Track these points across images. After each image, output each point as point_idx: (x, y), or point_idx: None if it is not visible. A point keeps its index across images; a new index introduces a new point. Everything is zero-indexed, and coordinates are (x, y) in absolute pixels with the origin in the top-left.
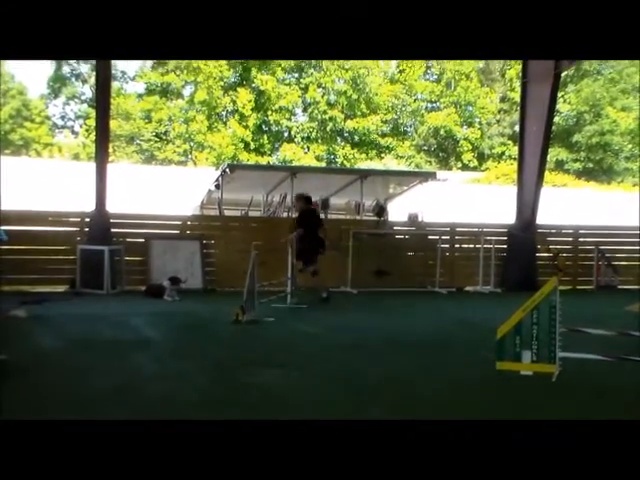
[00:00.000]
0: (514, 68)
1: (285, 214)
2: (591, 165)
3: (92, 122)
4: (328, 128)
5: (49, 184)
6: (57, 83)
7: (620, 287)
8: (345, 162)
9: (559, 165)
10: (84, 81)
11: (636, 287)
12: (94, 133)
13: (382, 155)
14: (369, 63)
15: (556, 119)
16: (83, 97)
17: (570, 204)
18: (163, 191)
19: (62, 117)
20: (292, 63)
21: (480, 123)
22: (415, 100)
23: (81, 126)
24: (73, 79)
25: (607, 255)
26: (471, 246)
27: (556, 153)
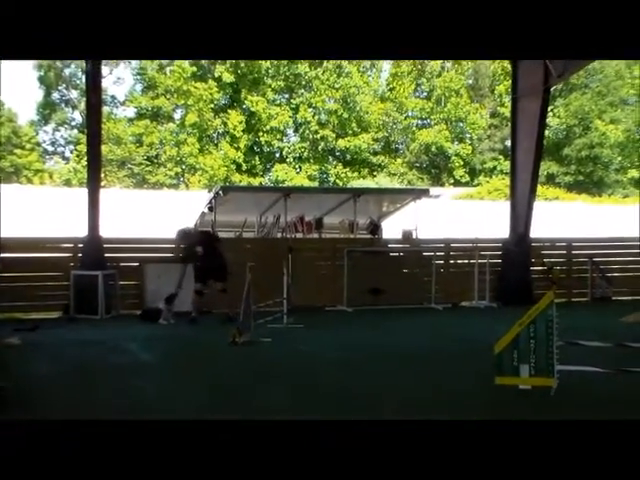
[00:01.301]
0: (503, 84)
1: (279, 234)
2: (581, 178)
3: (83, 148)
4: (320, 147)
5: (41, 210)
6: (47, 109)
7: (614, 298)
8: (337, 181)
9: (550, 179)
10: (74, 107)
11: (630, 298)
12: (85, 158)
13: (374, 173)
14: (359, 81)
15: (546, 133)
16: (73, 123)
17: (562, 217)
18: (156, 215)
19: (52, 143)
20: (282, 84)
21: (471, 139)
22: (406, 117)
23: (72, 152)
24: (63, 105)
25: (601, 267)
26: (466, 261)
27: (547, 167)
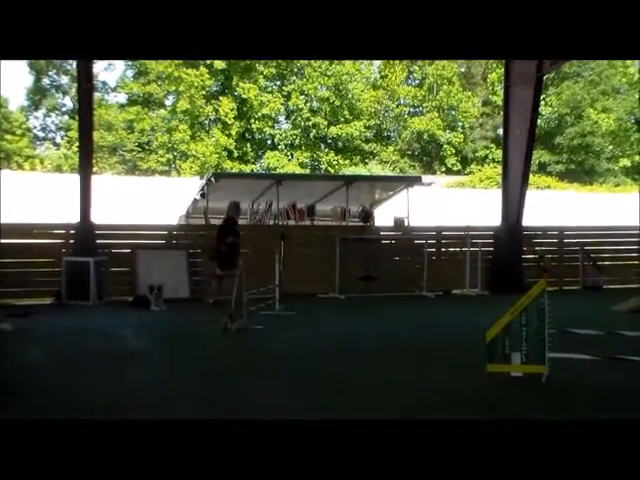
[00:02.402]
0: (495, 72)
1: (271, 222)
2: (573, 166)
3: (74, 134)
4: (311, 135)
5: (32, 196)
6: (37, 95)
7: (605, 287)
8: (329, 168)
9: (542, 167)
10: (64, 92)
11: (621, 286)
12: (76, 145)
13: (366, 161)
14: (351, 69)
15: (538, 121)
16: (64, 109)
17: (554, 205)
18: (148, 201)
19: (43, 129)
20: (274, 71)
21: (463, 127)
22: (398, 105)
23: (62, 138)
24: (53, 91)
25: (592, 255)
26: (457, 249)
27: (539, 155)
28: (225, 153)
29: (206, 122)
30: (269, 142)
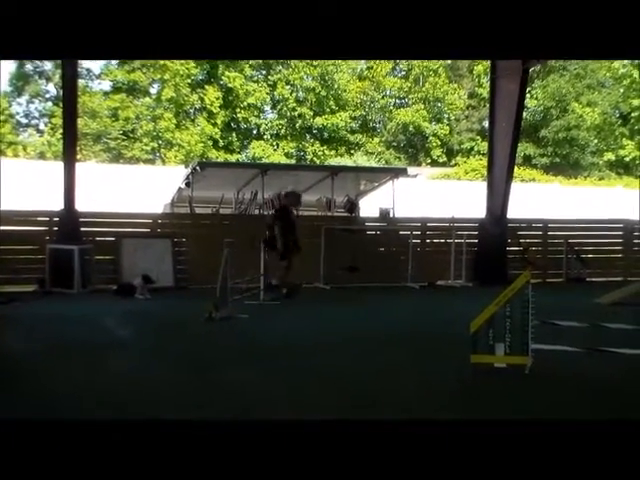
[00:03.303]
0: (481, 64)
1: (257, 211)
2: (558, 160)
3: (57, 120)
4: (297, 125)
5: (15, 183)
6: (20, 81)
7: (589, 279)
8: (315, 159)
9: (527, 160)
10: (48, 79)
11: (604, 279)
12: (60, 132)
13: (352, 152)
14: (337, 60)
15: (524, 114)
16: (47, 95)
17: (539, 198)
18: (132, 190)
19: (26, 115)
20: (259, 60)
21: (449, 119)
22: (384, 96)
23: (46, 125)
24: (36, 77)
25: (576, 248)
26: (442, 241)
27: (524, 148)
28: (210, 142)
29: (191, 111)
30: (255, 132)
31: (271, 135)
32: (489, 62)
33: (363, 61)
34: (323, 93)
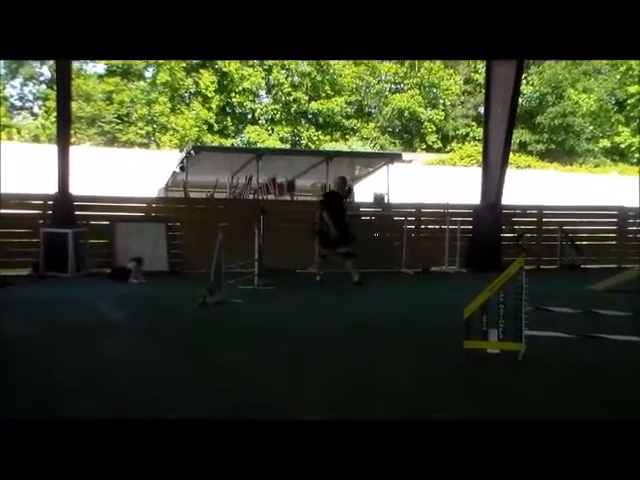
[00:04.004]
0: None
1: (251, 196)
2: (553, 146)
3: (51, 103)
4: (292, 110)
5: (9, 166)
6: (14, 63)
7: (583, 266)
8: (310, 144)
9: (522, 146)
10: (42, 61)
11: (598, 266)
12: (54, 115)
13: (347, 137)
14: None
15: (519, 101)
16: (41, 78)
17: (534, 185)
18: (126, 173)
19: (20, 98)
20: None
21: (444, 104)
22: (379, 81)
23: (40, 108)
24: (30, 60)
25: (570, 235)
26: (437, 227)
27: (519, 134)
28: (205, 126)
29: (186, 95)
30: (249, 116)
31: (266, 120)
32: None
33: None
34: (319, 78)
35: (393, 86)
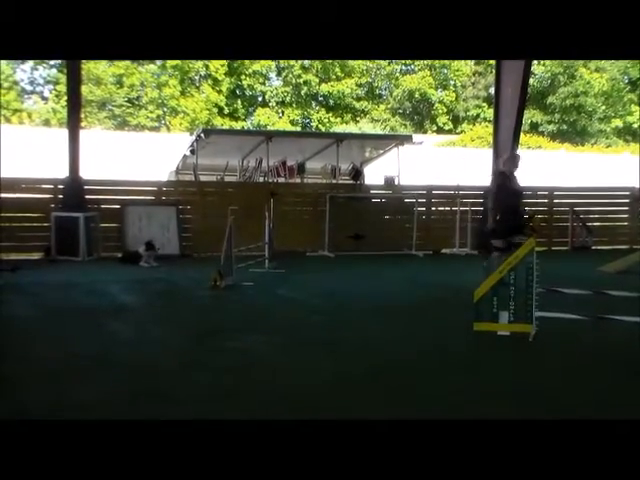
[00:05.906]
0: None
1: (261, 179)
2: (565, 127)
3: (62, 87)
4: (302, 92)
5: (20, 150)
6: None
7: (594, 248)
8: (320, 126)
9: (534, 127)
10: None
11: (610, 247)
12: (65, 99)
13: (357, 119)
14: None
15: (530, 81)
16: (52, 62)
17: (545, 166)
18: (137, 157)
19: (31, 82)
20: None
21: (455, 86)
22: (389, 63)
23: (51, 91)
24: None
25: (582, 216)
26: (447, 209)
27: (531, 115)
28: (215, 109)
29: (196, 78)
30: (260, 99)
31: (276, 102)
32: None
33: None
34: (329, 60)
35: (404, 67)
